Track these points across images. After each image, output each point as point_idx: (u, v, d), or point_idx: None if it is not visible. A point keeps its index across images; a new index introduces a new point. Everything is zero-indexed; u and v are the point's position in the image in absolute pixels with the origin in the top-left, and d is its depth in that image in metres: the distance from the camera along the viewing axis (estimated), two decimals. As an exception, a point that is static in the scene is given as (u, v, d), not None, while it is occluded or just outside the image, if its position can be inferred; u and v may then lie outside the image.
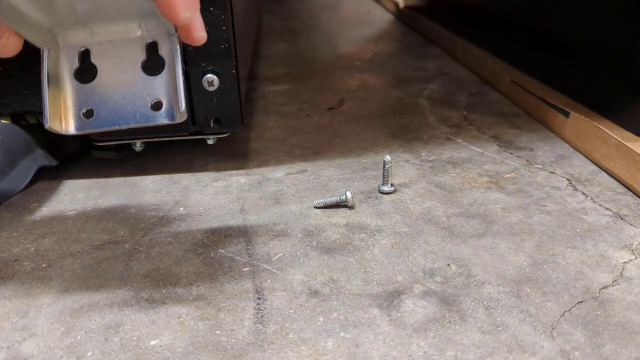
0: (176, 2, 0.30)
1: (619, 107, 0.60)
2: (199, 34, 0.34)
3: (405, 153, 0.63)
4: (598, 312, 0.36)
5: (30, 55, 0.53)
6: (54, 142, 0.58)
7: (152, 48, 0.37)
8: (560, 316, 0.36)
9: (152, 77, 0.37)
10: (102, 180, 0.57)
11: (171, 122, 0.36)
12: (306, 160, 0.62)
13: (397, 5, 1.58)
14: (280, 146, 0.66)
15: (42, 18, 0.33)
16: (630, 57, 0.60)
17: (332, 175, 0.58)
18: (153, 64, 0.37)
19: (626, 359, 0.33)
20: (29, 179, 0.54)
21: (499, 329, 0.35)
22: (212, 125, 0.57)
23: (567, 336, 0.34)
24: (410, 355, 0.33)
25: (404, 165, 0.60)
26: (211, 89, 0.54)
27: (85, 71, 0.36)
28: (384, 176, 0.53)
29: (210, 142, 0.60)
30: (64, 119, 0.36)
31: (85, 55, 0.36)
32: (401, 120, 0.73)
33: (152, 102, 0.37)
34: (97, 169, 0.60)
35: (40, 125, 0.57)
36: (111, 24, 0.36)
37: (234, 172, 0.59)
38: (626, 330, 0.35)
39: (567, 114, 0.65)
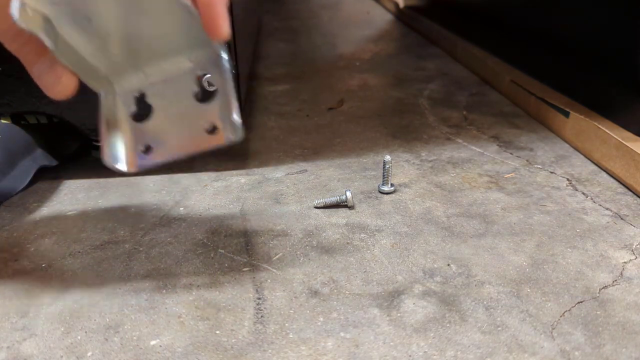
0: (219, 14, 0.31)
1: (619, 107, 0.60)
2: (225, 30, 0.33)
3: (405, 153, 0.63)
4: (598, 312, 0.36)
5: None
6: (54, 142, 0.58)
7: (203, 77, 0.37)
8: (560, 316, 0.36)
9: (205, 105, 0.37)
10: (102, 180, 0.57)
11: (228, 144, 0.36)
12: (306, 160, 0.62)
13: (397, 5, 1.58)
14: (280, 146, 0.66)
15: (96, 61, 0.34)
16: (630, 57, 0.60)
17: (332, 175, 0.58)
18: (206, 92, 0.37)
19: (626, 359, 0.33)
20: (29, 179, 0.54)
21: (499, 329, 0.35)
22: (212, 125, 0.57)
23: (567, 336, 0.34)
24: (410, 355, 0.33)
25: (404, 165, 0.60)
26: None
27: (142, 112, 0.37)
28: (384, 176, 0.53)
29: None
30: (123, 158, 0.37)
31: (141, 98, 0.36)
32: (401, 120, 0.73)
33: (208, 127, 0.37)
34: (97, 169, 0.60)
35: (40, 125, 0.57)
36: (162, 62, 0.36)
37: (234, 172, 0.59)
38: (626, 330, 0.35)
39: (567, 114, 0.65)
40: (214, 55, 0.36)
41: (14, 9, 0.28)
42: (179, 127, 0.37)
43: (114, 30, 0.33)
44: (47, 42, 0.30)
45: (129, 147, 0.37)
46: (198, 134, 0.37)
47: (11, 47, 0.31)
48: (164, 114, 0.37)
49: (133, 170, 0.37)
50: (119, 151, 0.36)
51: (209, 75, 0.36)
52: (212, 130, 0.37)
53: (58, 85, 0.32)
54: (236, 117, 0.36)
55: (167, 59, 0.36)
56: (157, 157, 0.37)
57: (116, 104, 0.36)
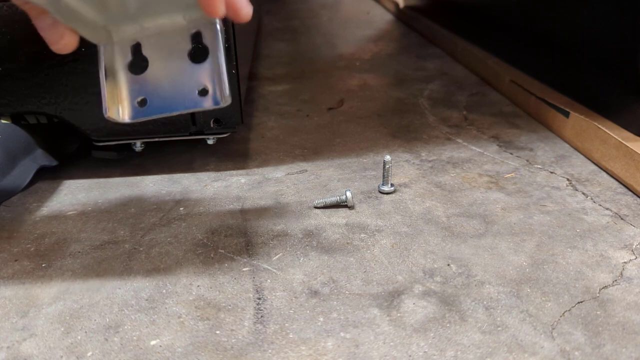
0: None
1: (619, 107, 0.60)
2: (246, 11, 0.36)
3: (405, 153, 0.63)
4: (598, 312, 0.36)
5: (31, 57, 0.53)
6: (54, 142, 0.58)
7: (196, 37, 0.39)
8: (560, 316, 0.36)
9: (198, 65, 0.39)
10: (102, 180, 0.57)
11: (217, 107, 0.39)
12: (306, 160, 0.62)
13: (397, 5, 1.58)
14: (280, 146, 0.66)
15: (96, 16, 0.36)
16: (630, 57, 0.60)
17: (332, 175, 0.58)
18: (199, 52, 0.39)
19: (626, 359, 0.33)
20: (29, 179, 0.54)
21: (499, 329, 0.35)
22: (212, 125, 0.57)
23: (567, 336, 0.34)
24: (410, 355, 0.33)
25: (404, 165, 0.60)
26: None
27: (138, 63, 0.39)
28: (384, 176, 0.53)
29: (210, 142, 0.60)
30: (120, 108, 0.39)
31: (137, 49, 0.38)
32: (401, 120, 0.73)
33: (199, 89, 0.39)
34: (97, 169, 0.60)
35: (40, 125, 0.57)
36: (158, 17, 0.38)
37: (234, 172, 0.59)
38: (626, 330, 0.35)
39: (567, 114, 0.65)
40: (207, 18, 0.37)
41: None
42: (173, 83, 0.39)
43: None
44: (47, 7, 0.32)
45: (126, 98, 0.39)
46: (190, 93, 0.39)
47: (16, 2, 0.33)
48: (158, 68, 0.39)
49: (127, 120, 0.39)
50: (116, 101, 0.38)
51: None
52: (203, 92, 0.39)
53: (60, 42, 0.35)
54: (225, 82, 0.38)
55: (163, 14, 0.38)
56: (152, 111, 0.39)
57: (114, 54, 0.38)
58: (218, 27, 0.38)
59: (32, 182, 0.55)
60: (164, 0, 0.37)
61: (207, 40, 0.38)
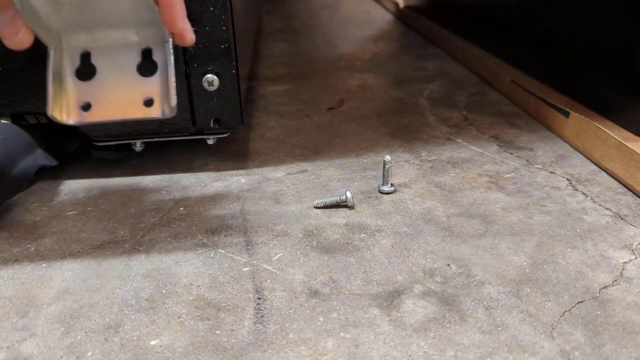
0: (178, 13, 0.36)
1: (619, 107, 0.60)
2: (190, 37, 0.40)
3: (405, 153, 0.63)
4: (598, 312, 0.36)
5: (31, 57, 0.53)
6: (54, 142, 0.58)
7: (146, 53, 0.41)
8: (560, 316, 0.36)
9: (145, 78, 0.41)
10: (102, 180, 0.57)
11: (161, 118, 0.41)
12: (306, 160, 0.62)
13: (397, 5, 1.58)
14: (280, 146, 0.66)
15: (52, 20, 0.37)
16: (630, 57, 0.60)
17: (332, 175, 0.58)
18: (147, 67, 0.41)
19: (626, 359, 0.33)
20: (29, 179, 0.54)
21: (499, 329, 0.35)
22: (212, 125, 0.57)
23: (567, 336, 0.34)
24: (410, 355, 0.33)
25: (404, 165, 0.60)
26: (211, 89, 0.54)
27: (86, 70, 0.40)
28: (384, 176, 0.53)
29: (210, 142, 0.60)
30: (64, 110, 0.40)
31: (86, 57, 0.40)
32: (401, 120, 0.73)
33: (145, 100, 0.41)
34: (97, 169, 0.60)
35: (40, 125, 0.57)
36: (111, 30, 0.40)
37: (234, 172, 0.59)
38: (626, 330, 0.35)
39: (567, 114, 0.65)
40: (161, 37, 0.40)
41: None
42: (119, 92, 0.41)
43: (75, 4, 0.36)
44: (17, 3, 0.34)
45: (71, 101, 0.40)
46: (135, 103, 0.41)
47: None
48: (106, 77, 0.41)
49: (71, 122, 0.40)
50: (59, 103, 0.40)
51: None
52: (148, 103, 0.41)
53: (15, 38, 0.36)
54: (173, 95, 0.40)
55: (115, 28, 0.40)
56: (95, 116, 0.41)
57: (62, 59, 0.40)
58: (170, 44, 0.40)
59: (32, 182, 0.55)
60: (117, 16, 0.38)
61: (157, 56, 0.40)
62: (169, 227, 0.48)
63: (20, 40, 0.36)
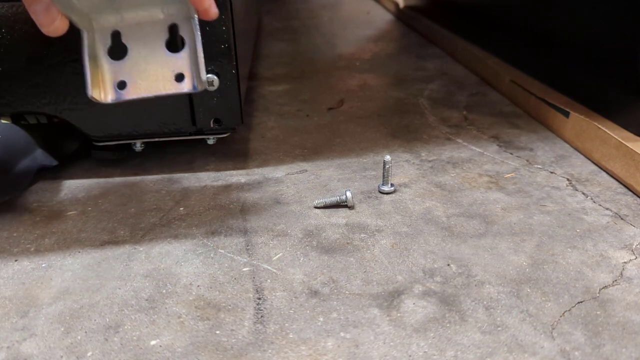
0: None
1: (619, 107, 0.60)
2: (214, 11, 0.41)
3: (405, 153, 0.63)
4: (598, 312, 0.36)
5: (31, 57, 0.53)
6: (54, 142, 0.58)
7: (173, 29, 0.43)
8: (560, 316, 0.36)
9: (174, 54, 0.43)
10: (102, 180, 0.57)
11: (193, 91, 0.43)
12: (306, 160, 0.62)
13: (397, 5, 1.58)
14: (280, 146, 0.66)
15: (83, 4, 0.40)
16: (630, 57, 0.60)
17: (332, 175, 0.58)
18: (175, 42, 0.43)
19: (626, 359, 0.33)
20: (29, 179, 0.54)
21: (499, 329, 0.35)
22: (212, 125, 0.57)
23: (567, 336, 0.34)
24: (410, 355, 0.33)
25: (404, 165, 0.60)
26: (211, 89, 0.54)
27: (118, 50, 0.42)
28: (384, 176, 0.53)
29: (210, 142, 0.60)
30: (102, 90, 0.42)
31: (116, 36, 0.42)
32: (401, 120, 0.73)
33: (175, 75, 0.43)
34: (97, 169, 0.60)
35: (40, 125, 0.57)
36: (138, 9, 0.42)
37: (234, 172, 0.59)
38: (626, 330, 0.35)
39: (567, 114, 0.65)
40: (187, 13, 0.42)
41: None
42: (150, 69, 0.43)
43: None
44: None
45: (107, 81, 0.43)
46: (167, 79, 0.43)
47: None
48: (137, 55, 0.43)
49: (109, 100, 0.42)
50: (98, 83, 0.42)
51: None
52: (179, 78, 0.43)
53: (51, 25, 0.38)
54: (202, 70, 0.42)
55: (142, 7, 0.42)
56: (130, 93, 0.43)
57: (95, 40, 0.42)
58: (196, 20, 0.42)
59: (32, 182, 0.55)
60: None
61: (184, 32, 0.42)
62: (169, 227, 0.48)
63: (56, 27, 0.38)
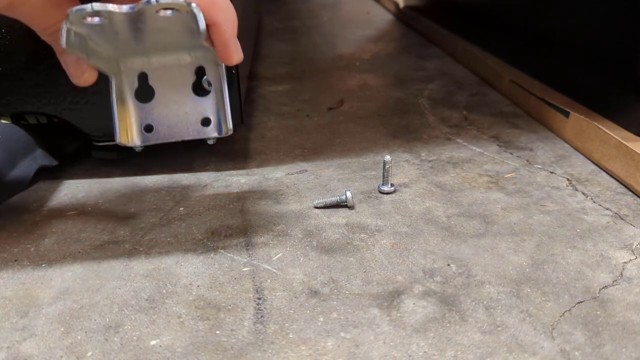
0: (233, 51, 0.38)
1: (619, 107, 0.60)
2: (240, 57, 0.40)
3: (405, 153, 0.63)
4: (598, 312, 0.36)
5: (31, 57, 0.53)
6: (54, 142, 0.58)
7: (200, 72, 0.43)
8: (560, 316, 0.36)
9: (201, 98, 0.43)
10: (102, 180, 0.57)
11: (219, 137, 0.44)
12: (306, 160, 0.62)
13: (397, 5, 1.58)
14: (280, 146, 0.66)
15: (111, 52, 0.40)
16: (630, 57, 0.60)
17: (332, 175, 0.58)
18: (202, 86, 0.43)
19: (626, 359, 0.33)
20: (29, 179, 0.54)
21: (499, 329, 0.35)
22: (212, 126, 0.57)
23: (567, 336, 0.34)
24: (410, 355, 0.33)
25: (404, 165, 0.60)
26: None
27: (144, 92, 0.43)
28: (384, 176, 0.53)
29: (210, 142, 0.60)
30: (129, 133, 0.43)
31: (143, 79, 0.42)
32: (401, 120, 0.73)
33: (202, 119, 0.44)
34: (97, 169, 0.60)
35: (40, 125, 0.57)
36: (166, 54, 0.42)
37: (234, 172, 0.59)
38: (626, 330, 0.35)
39: (567, 114, 0.65)
40: (214, 57, 0.40)
41: (62, 37, 0.33)
42: (177, 113, 0.43)
43: (133, 41, 0.38)
44: (83, 56, 0.36)
45: (134, 124, 0.43)
46: (193, 123, 0.43)
47: (47, 39, 0.37)
48: (164, 98, 0.43)
49: (136, 145, 0.43)
50: (125, 127, 0.42)
51: (205, 76, 0.43)
52: (205, 122, 0.43)
53: (82, 77, 0.39)
54: (229, 117, 0.42)
55: (170, 51, 0.42)
56: (157, 138, 0.43)
57: (122, 83, 0.42)
58: (223, 67, 0.42)
59: (32, 182, 0.55)
60: (172, 41, 0.40)
61: (210, 75, 0.42)
62: (169, 227, 0.48)
63: (86, 79, 0.39)
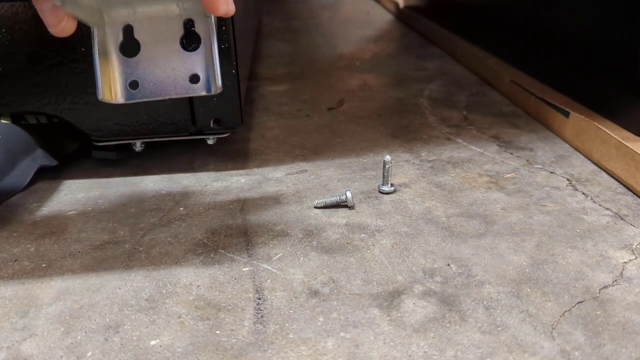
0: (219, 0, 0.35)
1: (619, 107, 0.60)
2: (231, 9, 0.37)
3: (405, 153, 0.63)
4: (598, 312, 0.36)
5: (31, 57, 0.53)
6: (54, 142, 0.58)
7: (189, 24, 0.40)
8: (560, 316, 0.36)
9: (189, 53, 0.40)
10: (102, 180, 0.57)
11: (208, 94, 0.41)
12: (306, 160, 0.62)
13: (397, 5, 1.58)
14: (280, 146, 0.66)
15: (92, 1, 0.37)
16: (630, 57, 0.60)
17: (332, 175, 0.58)
18: (190, 40, 0.40)
19: (626, 359, 0.33)
20: (29, 179, 0.54)
21: (499, 329, 0.35)
22: (212, 125, 0.57)
23: (567, 336, 0.34)
24: (410, 355, 0.33)
25: (404, 165, 0.60)
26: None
27: (130, 46, 0.40)
28: (384, 176, 0.53)
29: (210, 142, 0.60)
30: (112, 90, 0.40)
31: (128, 31, 0.39)
32: (401, 120, 0.73)
33: (190, 75, 0.41)
34: (97, 169, 0.60)
35: (40, 125, 0.57)
36: (152, 3, 0.39)
37: (234, 172, 0.59)
38: (626, 330, 0.35)
39: (567, 114, 0.65)
40: (202, 9, 0.39)
41: None
42: (164, 68, 0.40)
43: None
44: (57, 3, 0.34)
45: (118, 80, 0.40)
46: (181, 79, 0.41)
47: None
48: (150, 52, 0.40)
49: (119, 102, 0.40)
50: (108, 83, 0.40)
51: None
52: (194, 79, 0.41)
53: (59, 26, 0.37)
54: (217, 71, 0.40)
55: (157, 3, 0.39)
56: (143, 95, 0.40)
57: (106, 36, 0.39)
58: (212, 18, 0.39)
59: (32, 182, 0.55)
60: None
61: (199, 28, 0.40)
62: (169, 227, 0.48)
63: (63, 28, 0.37)
